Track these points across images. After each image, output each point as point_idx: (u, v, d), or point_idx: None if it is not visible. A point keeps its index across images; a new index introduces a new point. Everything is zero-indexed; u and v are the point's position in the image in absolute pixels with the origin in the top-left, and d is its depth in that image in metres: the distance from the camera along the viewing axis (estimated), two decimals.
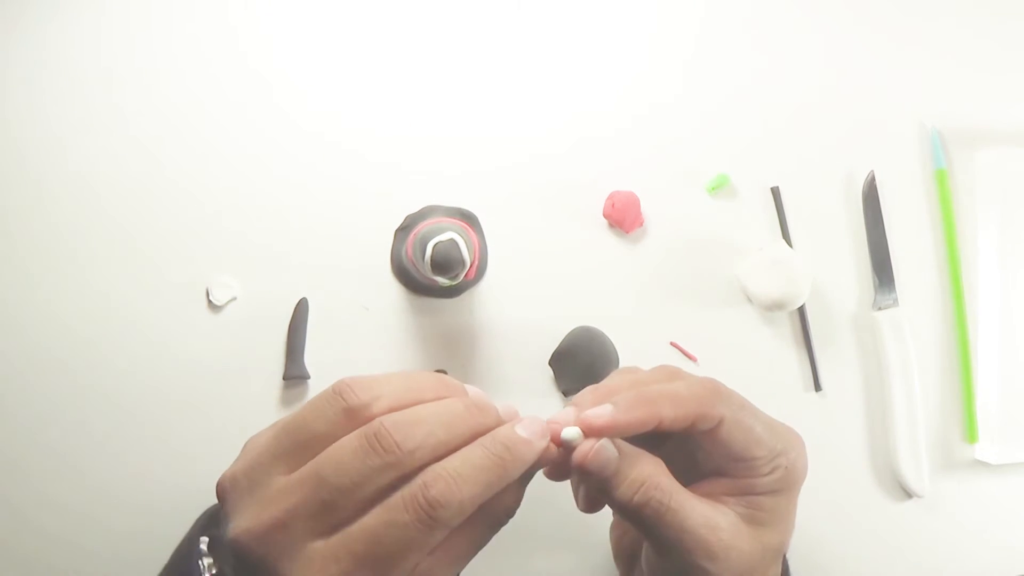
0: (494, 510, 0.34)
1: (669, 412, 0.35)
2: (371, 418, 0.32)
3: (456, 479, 0.31)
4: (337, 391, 0.33)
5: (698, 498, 0.36)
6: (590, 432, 0.35)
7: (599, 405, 0.35)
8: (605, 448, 0.35)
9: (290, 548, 0.31)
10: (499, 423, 0.34)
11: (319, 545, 0.31)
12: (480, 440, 0.33)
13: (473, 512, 0.32)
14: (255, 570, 0.31)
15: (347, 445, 0.32)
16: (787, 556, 0.48)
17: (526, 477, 0.35)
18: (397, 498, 0.31)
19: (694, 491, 0.37)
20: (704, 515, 0.35)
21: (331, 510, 0.31)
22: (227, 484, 0.34)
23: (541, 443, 0.34)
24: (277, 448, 0.33)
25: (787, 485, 0.38)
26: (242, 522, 0.32)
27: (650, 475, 0.35)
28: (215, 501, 0.48)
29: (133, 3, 0.56)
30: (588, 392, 0.37)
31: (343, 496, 0.31)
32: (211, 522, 0.44)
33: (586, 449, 0.35)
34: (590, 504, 0.40)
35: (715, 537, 0.35)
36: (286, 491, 0.32)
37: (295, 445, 0.33)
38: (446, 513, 0.31)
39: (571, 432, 0.35)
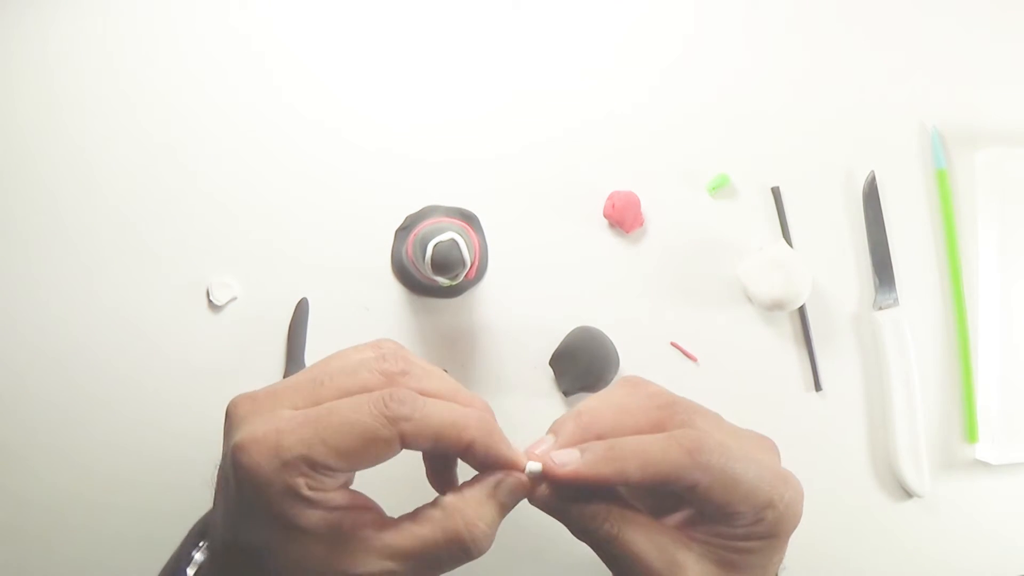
0: (462, 533, 0.33)
1: (636, 474, 0.33)
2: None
3: (425, 403, 0.32)
4: (379, 353, 0.34)
5: (659, 530, 0.35)
6: (552, 480, 0.34)
7: (567, 448, 0.34)
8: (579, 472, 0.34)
9: (265, 409, 0.33)
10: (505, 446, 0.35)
11: (287, 412, 0.32)
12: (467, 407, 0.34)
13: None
14: (230, 424, 0.33)
15: (357, 351, 0.34)
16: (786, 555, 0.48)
17: (503, 504, 0.34)
18: (366, 393, 0.32)
19: (665, 521, 0.36)
20: (662, 550, 0.34)
21: (315, 388, 0.33)
22: (244, 401, 0.35)
23: (518, 455, 0.34)
24: (301, 384, 0.35)
25: (772, 534, 0.35)
26: (243, 396, 0.34)
27: (604, 505, 0.35)
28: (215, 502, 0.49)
29: (135, 4, 0.56)
30: (571, 420, 0.36)
31: (329, 377, 0.33)
32: (205, 531, 0.44)
33: (541, 487, 0.35)
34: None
35: (670, 574, 0.34)
36: (291, 381, 0.34)
37: (317, 386, 0.34)
38: (401, 410, 0.31)
39: (534, 467, 0.35)
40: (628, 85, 0.59)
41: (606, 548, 0.35)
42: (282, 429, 0.31)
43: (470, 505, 0.33)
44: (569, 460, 0.34)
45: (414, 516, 0.33)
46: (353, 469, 0.32)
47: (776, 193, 0.59)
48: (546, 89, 0.58)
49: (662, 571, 0.34)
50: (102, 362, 0.54)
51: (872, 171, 0.59)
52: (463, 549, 0.32)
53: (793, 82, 0.60)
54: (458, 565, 0.33)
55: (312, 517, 0.31)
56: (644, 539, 0.34)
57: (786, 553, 0.38)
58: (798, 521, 0.36)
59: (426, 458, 0.37)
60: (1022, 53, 0.61)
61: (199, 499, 0.49)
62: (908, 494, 0.58)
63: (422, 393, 0.33)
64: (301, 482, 0.31)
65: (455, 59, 0.58)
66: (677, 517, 0.37)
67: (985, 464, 0.59)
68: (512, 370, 0.56)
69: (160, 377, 0.54)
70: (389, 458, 0.32)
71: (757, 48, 0.60)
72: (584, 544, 0.36)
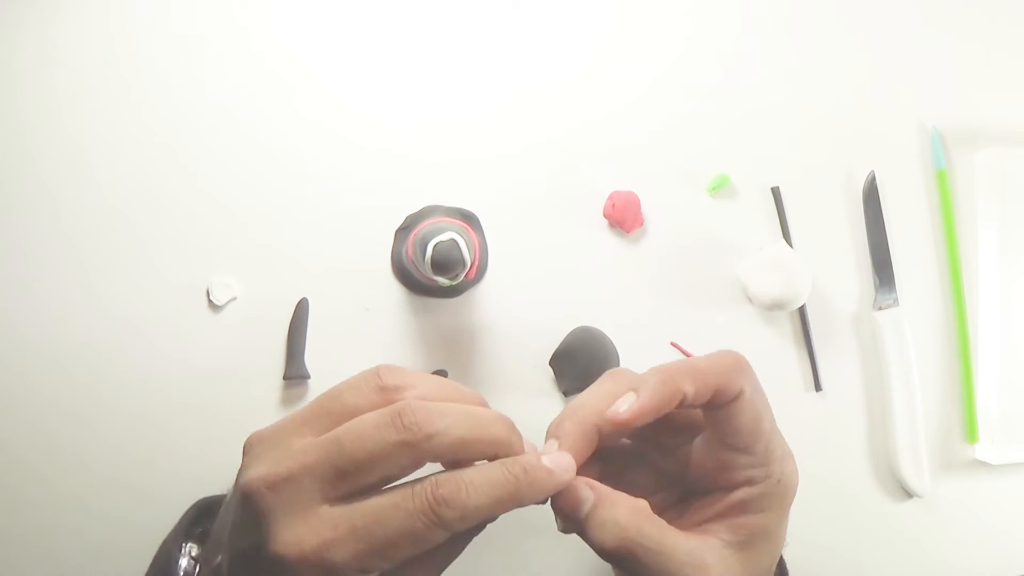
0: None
1: (690, 387, 0.35)
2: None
3: (468, 485, 0.32)
4: (375, 371, 0.34)
5: (683, 535, 0.36)
6: (617, 427, 0.35)
7: (626, 395, 0.35)
8: (579, 489, 0.35)
9: (294, 504, 0.31)
10: (521, 450, 0.35)
11: (323, 509, 0.31)
12: (502, 460, 0.34)
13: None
14: (255, 517, 0.32)
15: (370, 418, 0.32)
16: (783, 555, 0.48)
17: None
18: (407, 486, 0.32)
19: (680, 524, 0.37)
20: (690, 553, 0.35)
21: (343, 477, 0.32)
22: (253, 439, 0.35)
23: (564, 476, 0.34)
24: (307, 415, 0.34)
25: (776, 500, 0.37)
26: (257, 470, 0.32)
27: (629, 518, 0.35)
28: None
29: (134, 4, 0.56)
30: (567, 419, 0.37)
31: (356, 466, 0.32)
32: (200, 514, 0.44)
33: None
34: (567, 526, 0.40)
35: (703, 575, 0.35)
36: (305, 450, 0.32)
37: (324, 413, 0.34)
38: (450, 513, 0.31)
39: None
40: (628, 85, 0.59)
41: (634, 562, 0.35)
42: (330, 543, 0.31)
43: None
44: (625, 404, 0.35)
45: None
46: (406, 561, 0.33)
47: (776, 193, 0.59)
48: (546, 89, 0.58)
49: (693, 575, 0.35)
50: (102, 362, 0.54)
51: (872, 171, 0.59)
52: None
53: (793, 82, 0.60)
54: None
55: None
56: (673, 546, 0.35)
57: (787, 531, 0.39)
58: (795, 492, 0.38)
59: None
60: (1022, 53, 0.62)
61: (199, 496, 0.49)
62: (908, 494, 0.58)
63: (450, 450, 0.32)
64: None
65: (455, 59, 0.58)
66: (690, 516, 0.37)
67: (985, 464, 0.59)
68: (512, 370, 0.56)
69: (160, 377, 0.54)
70: None
71: (757, 48, 0.60)
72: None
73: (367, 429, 0.32)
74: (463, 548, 0.35)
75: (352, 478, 0.32)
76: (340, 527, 0.31)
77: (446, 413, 0.33)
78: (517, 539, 0.55)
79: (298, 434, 0.33)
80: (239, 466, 0.34)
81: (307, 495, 0.32)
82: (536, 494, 0.34)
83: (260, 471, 0.32)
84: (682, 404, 0.35)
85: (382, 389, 0.34)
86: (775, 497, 0.37)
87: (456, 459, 0.34)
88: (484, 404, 0.36)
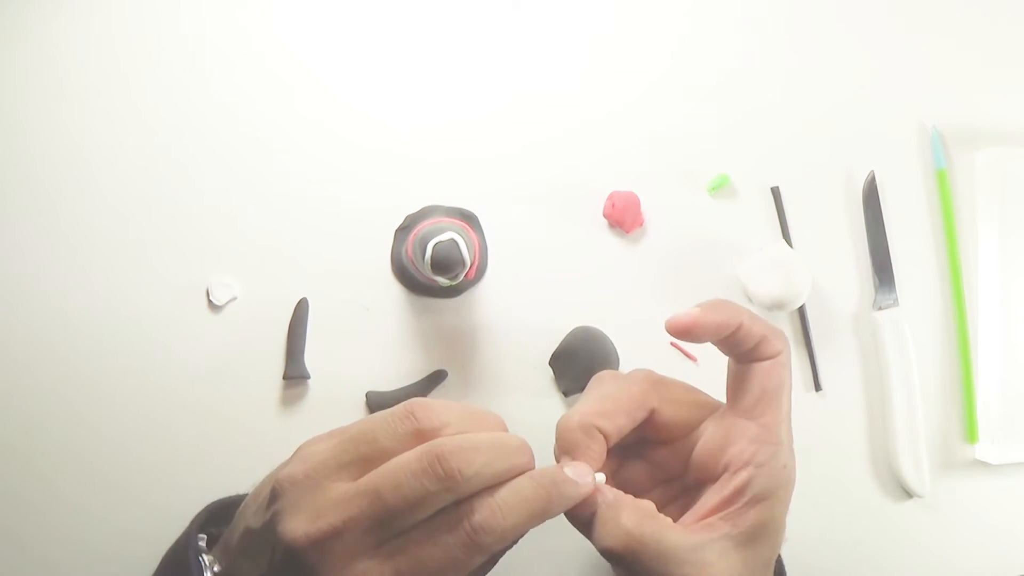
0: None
1: (748, 321, 0.38)
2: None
3: (502, 507, 0.32)
4: (410, 411, 0.34)
5: (684, 532, 0.36)
6: (679, 328, 0.38)
7: (683, 310, 0.38)
8: (587, 485, 0.36)
9: (341, 560, 0.32)
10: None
11: (368, 563, 0.32)
12: (530, 473, 0.34)
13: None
14: (300, 572, 0.32)
15: (407, 465, 0.32)
16: (781, 555, 0.48)
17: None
18: (443, 520, 0.32)
19: (681, 520, 0.37)
20: (691, 551, 0.35)
21: (385, 526, 0.32)
22: (286, 483, 0.34)
23: (586, 485, 0.35)
24: (342, 456, 0.34)
25: (779, 489, 0.37)
26: (299, 524, 0.32)
27: (632, 520, 0.35)
28: (215, 499, 0.49)
29: (135, 5, 0.56)
30: (575, 431, 0.38)
31: (398, 516, 0.32)
32: (210, 519, 0.44)
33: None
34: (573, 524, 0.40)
35: (705, 574, 0.35)
36: (345, 501, 0.32)
37: (360, 458, 0.34)
38: (489, 539, 0.32)
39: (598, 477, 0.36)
40: (628, 85, 0.59)
41: (637, 564, 0.35)
42: None
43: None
44: (689, 312, 0.38)
45: None
46: None
47: (776, 193, 0.59)
48: (546, 89, 0.58)
49: (696, 574, 0.35)
50: (102, 362, 0.54)
51: (872, 171, 0.59)
52: None
53: (793, 82, 0.60)
54: None
55: None
56: (674, 545, 0.35)
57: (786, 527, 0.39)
58: (793, 486, 0.39)
59: None
60: (1022, 54, 0.61)
61: (200, 498, 0.49)
62: (908, 494, 0.58)
63: (486, 485, 0.33)
64: None
65: (455, 59, 0.58)
66: (693, 513, 0.38)
67: (985, 464, 0.59)
68: (512, 370, 0.56)
69: (160, 377, 0.54)
70: None
71: (757, 48, 0.60)
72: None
73: (406, 479, 0.32)
74: (497, 561, 0.35)
75: (393, 525, 0.32)
76: (386, 574, 0.32)
77: (480, 449, 0.33)
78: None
79: (335, 477, 0.33)
80: (270, 507, 0.34)
81: (352, 548, 0.32)
82: (565, 505, 0.34)
83: (302, 524, 0.32)
84: (735, 335, 0.37)
85: (419, 433, 0.34)
86: (779, 484, 0.37)
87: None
88: (503, 426, 0.37)
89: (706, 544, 0.36)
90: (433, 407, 0.35)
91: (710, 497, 0.38)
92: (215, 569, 0.37)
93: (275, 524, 0.33)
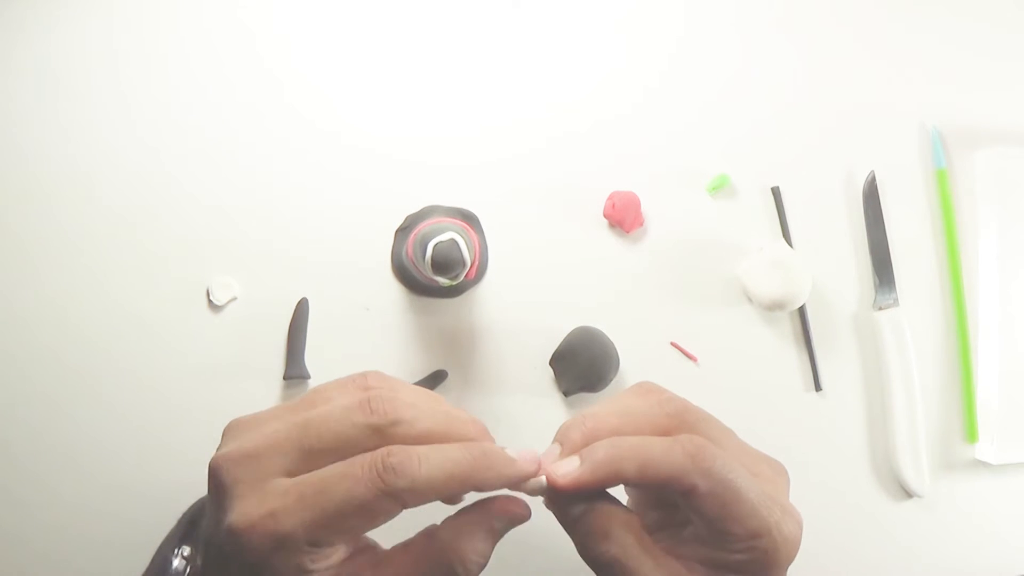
0: (456, 568, 0.33)
1: (634, 474, 0.33)
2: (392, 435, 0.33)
3: (420, 458, 0.31)
4: (363, 374, 0.34)
5: (666, 560, 0.34)
6: (556, 490, 0.34)
7: (568, 457, 0.34)
8: (526, 465, 0.34)
9: (254, 478, 0.31)
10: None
11: (278, 481, 0.31)
12: (463, 442, 0.33)
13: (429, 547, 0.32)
14: (218, 492, 0.32)
15: (341, 401, 0.33)
16: None
17: (498, 531, 0.34)
18: (358, 456, 0.31)
19: (670, 550, 0.35)
20: None
21: (306, 457, 0.32)
22: (231, 424, 0.34)
23: (526, 467, 0.34)
24: (290, 404, 0.34)
25: (764, 567, 0.34)
26: (226, 448, 0.33)
27: (615, 530, 0.34)
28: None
29: (136, 6, 0.56)
30: (576, 428, 0.35)
31: (321, 446, 0.32)
32: (195, 517, 0.44)
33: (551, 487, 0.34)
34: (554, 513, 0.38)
35: None
36: (275, 430, 0.32)
37: (307, 404, 0.34)
38: (399, 482, 0.31)
39: (537, 482, 0.34)
40: (628, 86, 0.59)
41: (608, 572, 0.34)
42: (277, 511, 0.30)
43: (463, 537, 0.33)
44: (569, 470, 0.34)
45: (407, 549, 0.33)
46: (355, 537, 0.32)
47: (776, 193, 0.59)
48: (546, 90, 0.58)
49: None
50: (102, 362, 0.54)
51: (872, 171, 0.59)
52: None
53: (793, 82, 0.60)
54: None
55: None
56: (649, 568, 0.33)
57: None
58: (794, 555, 0.35)
59: None
60: (1022, 54, 0.62)
61: (198, 496, 0.49)
62: (908, 494, 0.58)
63: (416, 440, 0.32)
64: (305, 560, 0.31)
65: (456, 61, 0.58)
66: (681, 548, 0.36)
67: (985, 464, 0.59)
68: (512, 370, 0.56)
69: (160, 377, 0.54)
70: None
71: (757, 48, 0.60)
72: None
73: (335, 411, 0.32)
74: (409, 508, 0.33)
75: (316, 458, 0.32)
76: (289, 495, 0.31)
77: (416, 405, 0.33)
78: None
79: (276, 419, 0.33)
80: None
81: (267, 470, 0.31)
82: (494, 478, 0.33)
83: (228, 449, 0.32)
84: (625, 483, 0.34)
85: (367, 388, 0.33)
86: (760, 564, 0.34)
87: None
88: (476, 422, 0.35)
89: None
90: (389, 377, 0.34)
91: (702, 546, 0.35)
92: (185, 554, 0.37)
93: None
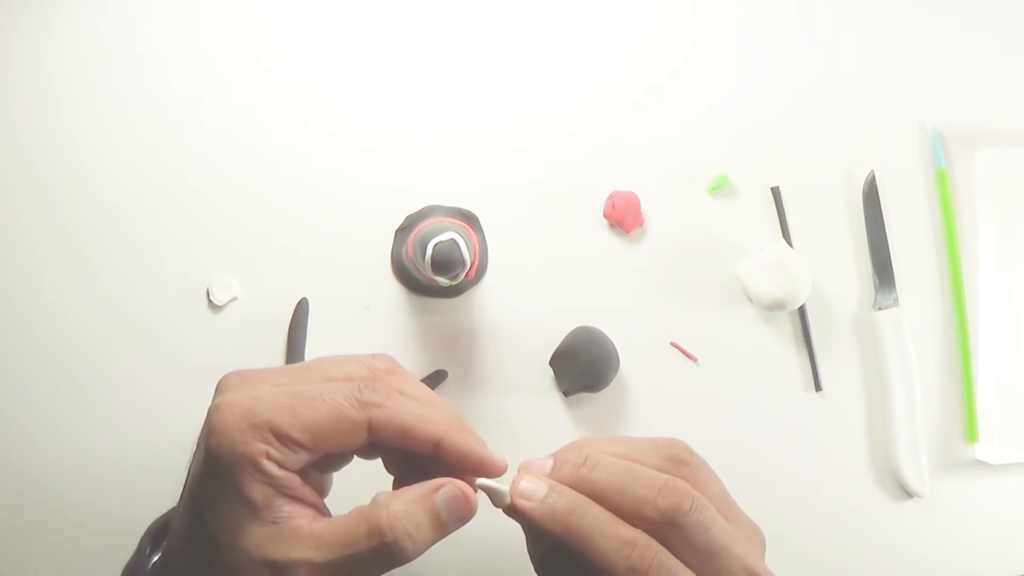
0: (383, 528, 0.31)
1: (581, 549, 0.32)
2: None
3: (400, 400, 0.33)
4: (375, 355, 0.36)
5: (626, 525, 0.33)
6: (514, 506, 0.33)
7: (537, 481, 0.33)
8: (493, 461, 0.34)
9: (251, 383, 0.33)
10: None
11: (267, 386, 0.33)
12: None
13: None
14: (207, 427, 0.33)
15: (336, 385, 0.34)
16: (783, 556, 0.48)
17: (439, 512, 0.33)
18: (346, 380, 0.33)
19: None
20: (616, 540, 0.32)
21: (302, 373, 0.34)
22: (231, 376, 0.35)
23: (496, 458, 0.34)
24: (299, 364, 0.36)
25: None
26: (219, 399, 0.34)
27: (575, 498, 0.33)
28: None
29: (135, 6, 0.56)
30: (571, 464, 0.34)
31: (318, 366, 0.34)
32: (159, 534, 0.44)
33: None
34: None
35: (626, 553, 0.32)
36: (267, 389, 0.33)
37: (315, 365, 0.35)
38: (373, 397, 0.32)
39: (484, 482, 0.34)
40: (628, 86, 0.59)
41: (559, 536, 0.33)
42: (257, 396, 0.32)
43: (399, 502, 0.32)
44: (532, 495, 0.33)
45: (348, 512, 0.33)
46: (318, 449, 0.32)
47: (776, 193, 0.59)
48: (546, 90, 0.58)
49: (617, 553, 0.32)
50: (102, 362, 0.54)
51: (872, 171, 0.59)
52: (384, 545, 0.31)
53: (793, 82, 0.60)
54: (383, 570, 0.32)
55: (259, 491, 0.31)
56: (600, 532, 0.32)
57: None
58: (763, 550, 0.35)
59: (392, 466, 0.36)
60: (1022, 53, 0.61)
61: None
62: (908, 494, 0.58)
63: (400, 392, 0.34)
64: (263, 448, 0.31)
65: (456, 60, 0.58)
66: None
67: (985, 464, 0.59)
68: (512, 370, 0.56)
69: (160, 377, 0.54)
70: (355, 448, 0.33)
71: (757, 49, 0.60)
72: None
73: (336, 360, 0.35)
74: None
75: (306, 378, 0.34)
76: (274, 390, 0.32)
77: (413, 379, 0.35)
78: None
79: (270, 380, 0.34)
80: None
81: (262, 376, 0.34)
82: (462, 441, 0.33)
83: (221, 399, 0.33)
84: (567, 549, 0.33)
85: (370, 376, 0.35)
86: None
87: (403, 446, 0.33)
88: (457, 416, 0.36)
89: None
90: (400, 367, 0.36)
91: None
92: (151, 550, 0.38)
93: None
